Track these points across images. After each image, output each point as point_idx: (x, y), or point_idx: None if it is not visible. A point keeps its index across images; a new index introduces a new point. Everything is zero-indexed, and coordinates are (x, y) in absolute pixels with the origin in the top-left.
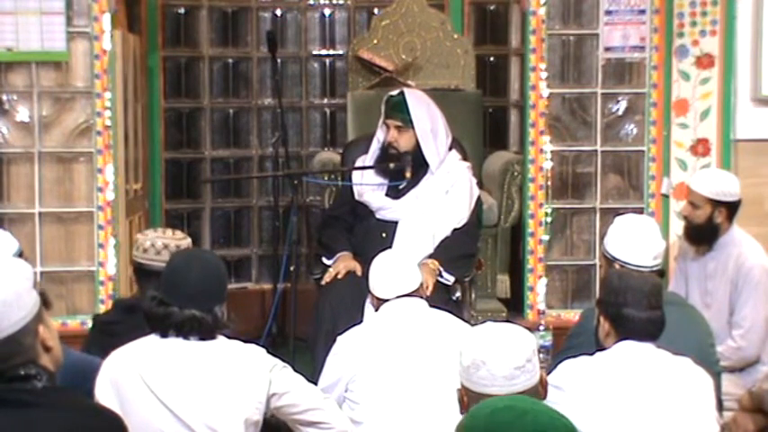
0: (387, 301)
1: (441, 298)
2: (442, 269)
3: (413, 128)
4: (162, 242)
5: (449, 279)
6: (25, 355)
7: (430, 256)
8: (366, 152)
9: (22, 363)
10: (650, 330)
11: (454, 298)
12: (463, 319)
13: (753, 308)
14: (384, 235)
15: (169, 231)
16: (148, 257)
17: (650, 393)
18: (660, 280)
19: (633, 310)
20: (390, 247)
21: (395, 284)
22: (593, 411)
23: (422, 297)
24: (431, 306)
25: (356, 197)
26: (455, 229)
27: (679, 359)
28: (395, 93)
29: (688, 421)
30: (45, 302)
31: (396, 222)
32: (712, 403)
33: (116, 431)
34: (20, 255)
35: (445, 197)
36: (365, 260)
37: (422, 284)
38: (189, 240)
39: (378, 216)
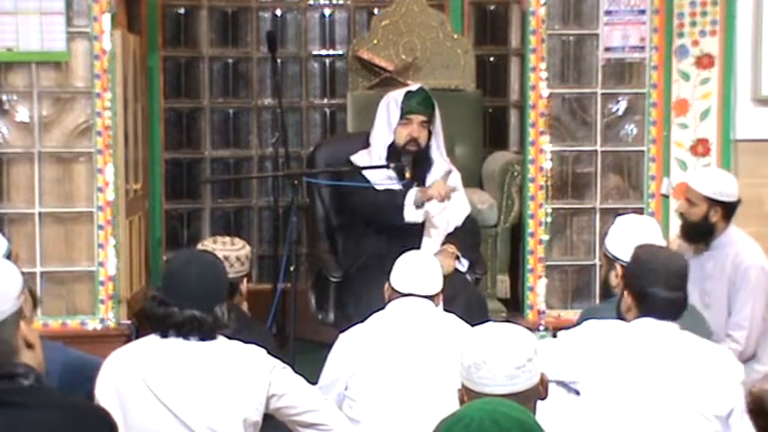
0: (400, 294)
1: (460, 279)
2: (459, 253)
3: (432, 124)
4: (222, 254)
5: (463, 264)
6: (4, 346)
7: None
8: (352, 153)
9: (5, 358)
10: (671, 311)
11: (471, 278)
12: (484, 302)
13: (752, 309)
14: (410, 235)
15: (228, 240)
16: None
17: (668, 372)
18: (686, 261)
19: (657, 289)
20: (419, 247)
21: (415, 281)
22: (605, 383)
23: (436, 304)
24: (451, 290)
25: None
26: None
27: (705, 342)
28: (413, 88)
29: (704, 402)
30: (33, 301)
31: (420, 222)
32: (737, 388)
33: (105, 429)
34: (8, 255)
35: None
36: (391, 261)
37: (439, 293)
38: (248, 249)
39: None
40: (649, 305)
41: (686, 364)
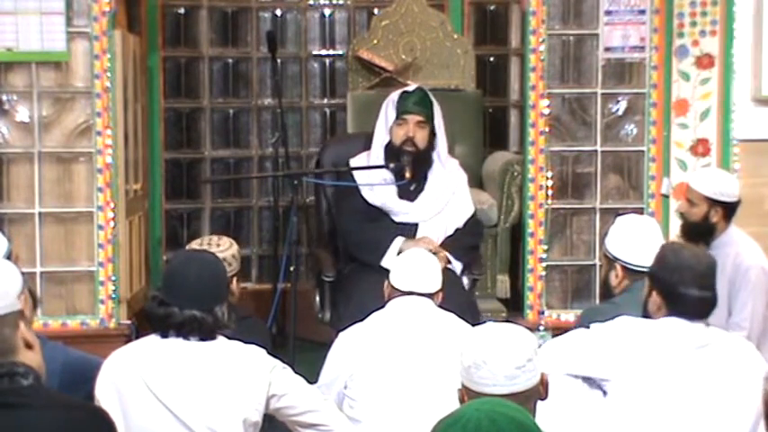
0: (400, 293)
1: (453, 282)
2: (450, 257)
3: (430, 124)
4: None
5: (457, 265)
6: (4, 344)
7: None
8: (356, 153)
9: (3, 357)
10: (702, 310)
11: (465, 285)
12: (475, 306)
13: (752, 309)
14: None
15: (214, 242)
16: None
17: (706, 374)
18: (714, 259)
19: (686, 288)
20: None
21: (415, 279)
22: (640, 383)
23: (436, 303)
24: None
25: (369, 201)
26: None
27: (734, 340)
28: (410, 89)
29: (731, 400)
30: (33, 301)
31: (413, 224)
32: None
33: (103, 429)
34: (8, 255)
35: (453, 196)
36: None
37: (438, 292)
38: (234, 249)
39: (396, 219)
40: (681, 305)
41: (722, 367)
